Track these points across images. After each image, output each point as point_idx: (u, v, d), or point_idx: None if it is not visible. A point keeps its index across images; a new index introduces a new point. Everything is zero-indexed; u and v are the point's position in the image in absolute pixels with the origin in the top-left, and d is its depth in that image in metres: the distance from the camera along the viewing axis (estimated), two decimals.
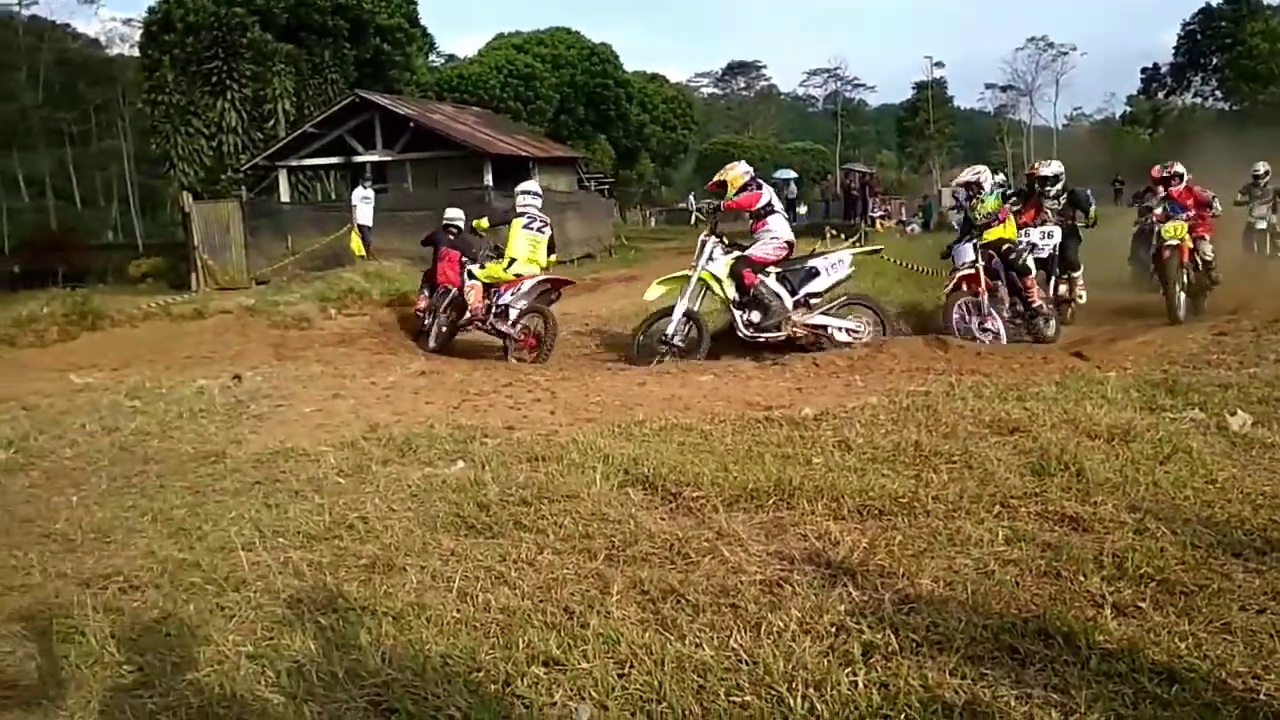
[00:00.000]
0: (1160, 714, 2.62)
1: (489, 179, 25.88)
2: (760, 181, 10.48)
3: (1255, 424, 5.46)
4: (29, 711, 3.02)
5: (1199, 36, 58.89)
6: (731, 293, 9.92)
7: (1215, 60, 58.49)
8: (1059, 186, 11.63)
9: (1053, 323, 10.55)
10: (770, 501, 4.48)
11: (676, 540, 4.05)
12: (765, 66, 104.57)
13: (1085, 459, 4.78)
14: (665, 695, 2.81)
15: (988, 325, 9.90)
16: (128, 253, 37.50)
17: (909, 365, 8.30)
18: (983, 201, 10.40)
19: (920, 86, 72.01)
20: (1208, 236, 11.86)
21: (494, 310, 10.80)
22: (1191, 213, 11.61)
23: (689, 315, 9.96)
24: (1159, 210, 11.78)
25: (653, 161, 59.67)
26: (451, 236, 12.97)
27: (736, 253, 10.08)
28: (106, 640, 3.37)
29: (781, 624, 3.20)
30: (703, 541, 4.04)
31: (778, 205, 10.49)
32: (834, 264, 10.14)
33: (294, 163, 28.79)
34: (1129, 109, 73.38)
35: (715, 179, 10.73)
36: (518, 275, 10.88)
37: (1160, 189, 12.62)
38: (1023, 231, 10.80)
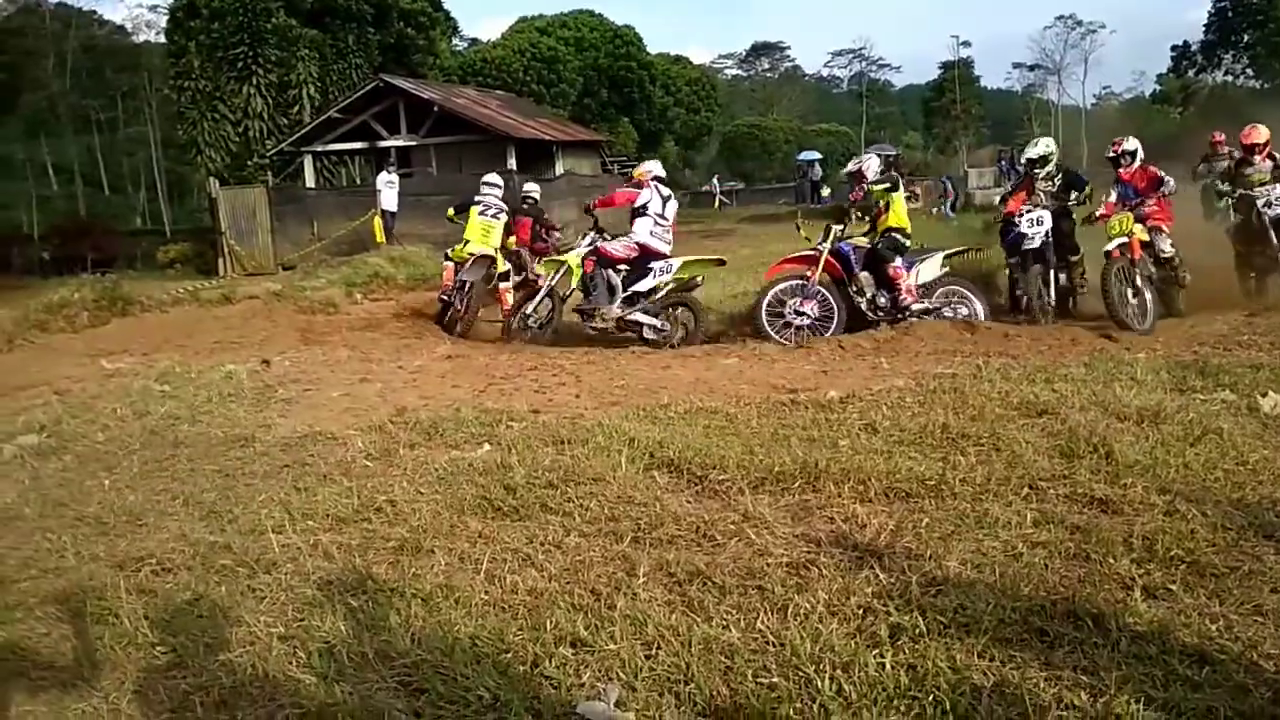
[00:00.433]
0: (1191, 696, 2.61)
1: (512, 163, 25.87)
2: (655, 186, 10.73)
3: None
4: (65, 692, 3.06)
5: (1230, 13, 57.90)
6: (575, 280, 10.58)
7: (1246, 37, 57.54)
8: (1049, 167, 10.55)
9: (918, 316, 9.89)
10: (796, 484, 4.48)
11: (702, 523, 4.06)
12: (789, 47, 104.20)
13: (1114, 441, 4.74)
14: (693, 676, 2.83)
15: (803, 309, 9.78)
16: (155, 239, 37.84)
17: (935, 347, 8.25)
18: (869, 193, 10.17)
19: (946, 66, 71.26)
20: (1166, 228, 10.21)
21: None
22: (1151, 201, 10.09)
23: (549, 294, 10.77)
24: (1112, 199, 10.26)
25: (676, 144, 59.42)
26: (527, 206, 15.04)
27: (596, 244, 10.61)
28: (140, 622, 3.42)
29: (808, 606, 3.21)
30: (729, 524, 4.04)
31: (656, 210, 10.62)
32: (665, 267, 10.33)
33: (319, 148, 28.90)
34: (1159, 87, 72.39)
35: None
36: (471, 254, 11.58)
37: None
38: (1016, 219, 10.07)
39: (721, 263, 11.15)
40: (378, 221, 21.87)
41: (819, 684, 2.73)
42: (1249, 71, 59.44)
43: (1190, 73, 63.80)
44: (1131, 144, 10.73)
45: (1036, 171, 10.48)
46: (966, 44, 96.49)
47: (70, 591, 3.76)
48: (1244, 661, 2.77)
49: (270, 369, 8.45)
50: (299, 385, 7.73)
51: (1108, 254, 9.38)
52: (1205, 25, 60.46)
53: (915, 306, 9.73)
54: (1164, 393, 5.87)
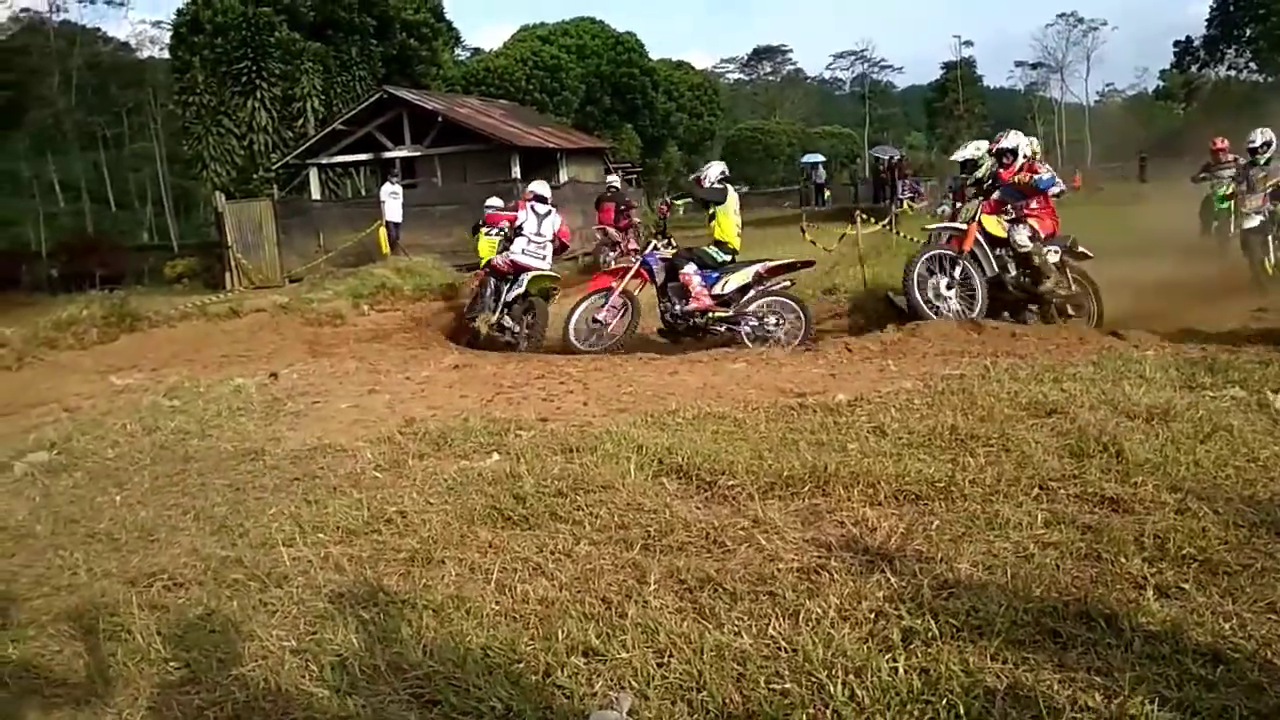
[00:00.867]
0: (1205, 695, 2.60)
1: (517, 171, 25.91)
2: (531, 206, 11.61)
3: None
4: (79, 709, 3.07)
5: (1231, 8, 57.80)
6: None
7: (1249, 31, 57.42)
8: (981, 171, 10.20)
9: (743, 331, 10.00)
10: (806, 489, 4.47)
11: (712, 529, 4.06)
12: (791, 51, 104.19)
13: (1124, 439, 4.73)
14: (705, 684, 2.82)
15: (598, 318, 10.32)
16: (163, 254, 37.96)
17: (943, 349, 8.24)
18: (705, 202, 10.49)
19: (949, 66, 71.28)
20: (1034, 223, 9.41)
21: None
22: (1035, 203, 9.52)
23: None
24: (995, 197, 9.64)
25: (680, 149, 59.47)
26: (610, 194, 19.95)
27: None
28: (153, 638, 3.42)
29: (820, 611, 3.20)
30: (739, 530, 4.04)
31: (531, 230, 11.48)
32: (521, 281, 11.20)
33: (324, 160, 28.96)
34: (1162, 83, 72.32)
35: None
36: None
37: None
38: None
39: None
40: (383, 233, 21.93)
41: (832, 689, 2.73)
42: (1252, 65, 59.30)
43: (1193, 68, 63.67)
44: (1011, 140, 9.96)
45: (964, 176, 10.45)
46: (969, 44, 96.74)
47: (83, 608, 3.77)
48: (1258, 660, 2.75)
49: (278, 382, 8.48)
50: (307, 398, 7.75)
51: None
52: (1207, 20, 60.36)
53: (715, 315, 9.98)
54: (1173, 390, 5.86)
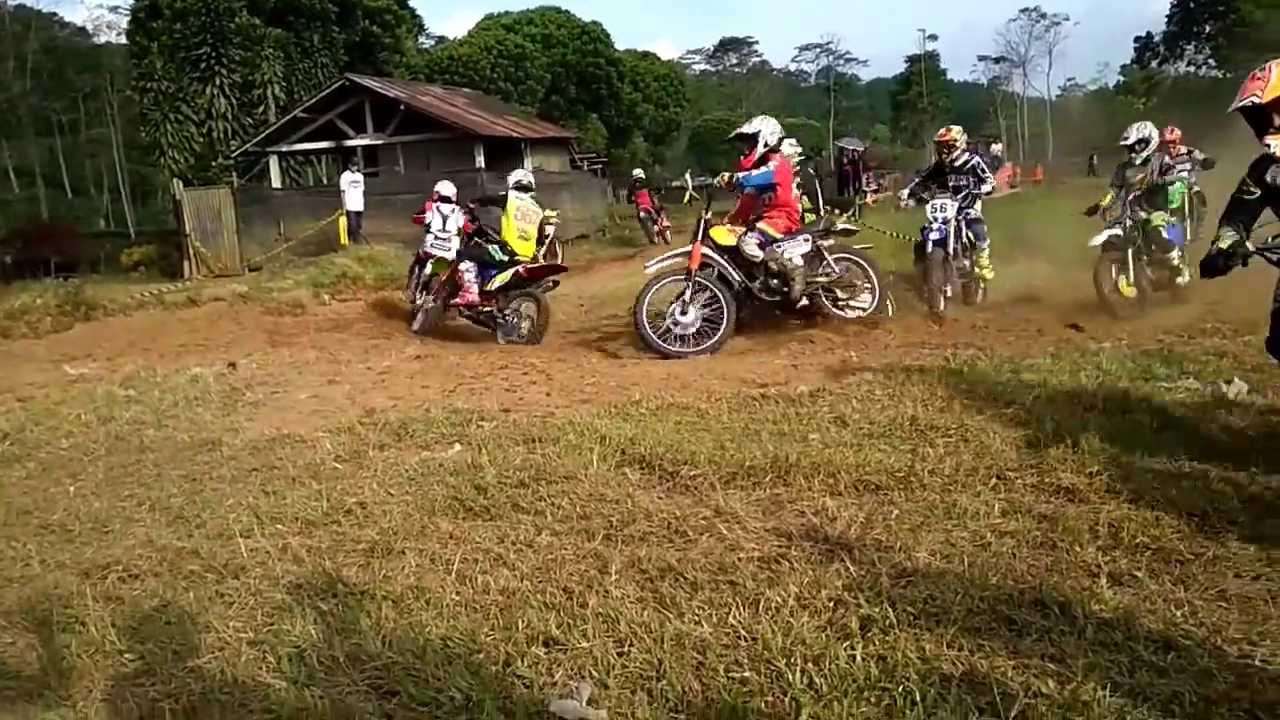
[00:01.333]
0: (1156, 681, 2.64)
1: (481, 161, 25.77)
2: (437, 207, 12.25)
3: (1251, 392, 5.48)
4: (32, 702, 3.02)
5: (1191, 4, 58.64)
6: None
7: (1208, 28, 58.25)
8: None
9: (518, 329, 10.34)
10: (767, 479, 4.49)
11: (674, 519, 4.06)
12: (757, 42, 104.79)
13: (1081, 430, 4.78)
14: (665, 673, 2.83)
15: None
16: (120, 241, 37.37)
17: (905, 340, 8.30)
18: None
19: (913, 60, 71.80)
20: (764, 227, 8.98)
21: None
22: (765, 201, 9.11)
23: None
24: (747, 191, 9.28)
25: (645, 140, 59.37)
26: (639, 183, 25.93)
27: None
28: (107, 629, 3.38)
29: (780, 600, 3.22)
30: (700, 519, 4.05)
31: (436, 228, 12.05)
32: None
33: (285, 148, 28.64)
34: (1122, 78, 73.19)
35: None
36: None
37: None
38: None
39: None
40: (342, 222, 21.73)
41: (790, 677, 2.74)
42: (1211, 62, 60.18)
43: (1154, 64, 64.54)
44: (754, 125, 9.34)
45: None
46: (933, 37, 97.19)
47: (36, 600, 3.71)
48: (1208, 646, 2.80)
49: (237, 372, 8.38)
50: (266, 388, 7.67)
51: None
52: (1168, 16, 61.21)
53: (481, 309, 10.58)
54: (1129, 382, 5.94)
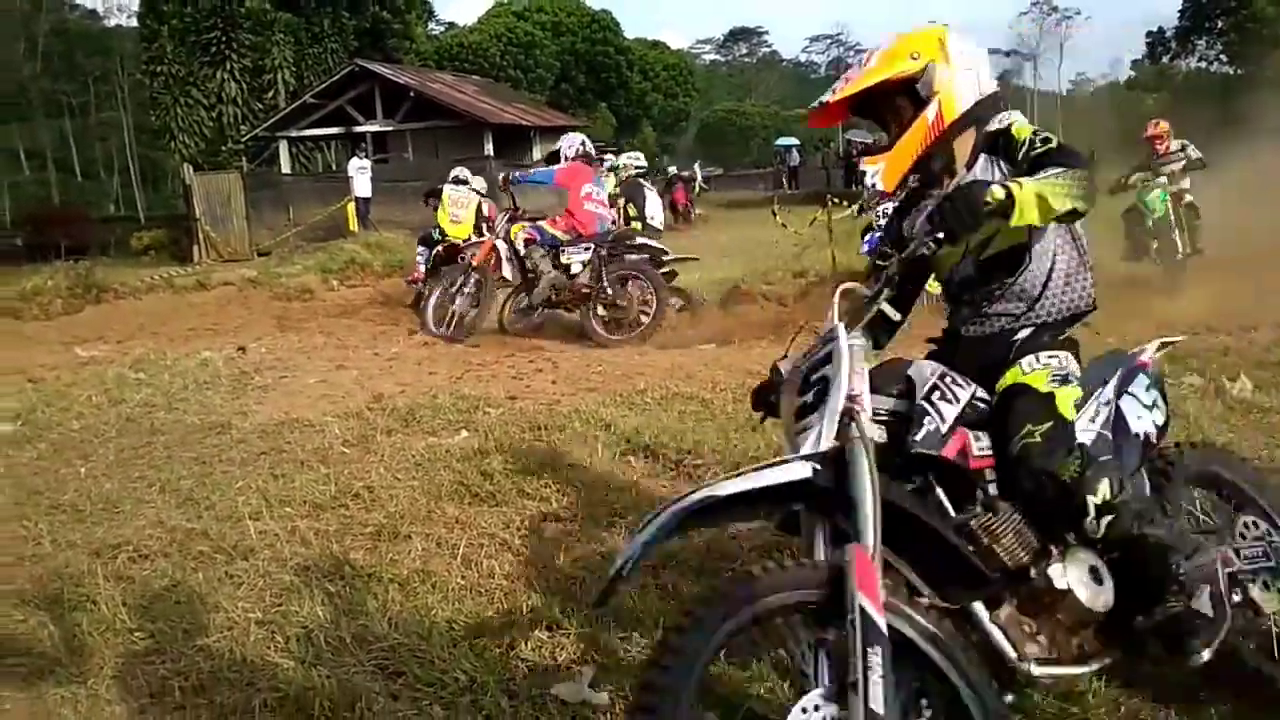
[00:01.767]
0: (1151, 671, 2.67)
1: (490, 148, 25.80)
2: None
3: (1255, 389, 5.50)
4: (44, 679, 3.07)
5: (1203, 0, 58.33)
6: None
7: (1220, 23, 57.93)
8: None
9: None
10: None
11: None
12: (767, 33, 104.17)
13: None
14: None
15: None
16: (129, 225, 37.35)
17: (912, 332, 8.30)
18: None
19: None
20: (544, 226, 9.37)
21: None
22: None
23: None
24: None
25: (654, 130, 59.32)
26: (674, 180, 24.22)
27: None
28: (118, 608, 3.43)
29: None
30: None
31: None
32: None
33: (294, 133, 28.72)
34: (1133, 73, 72.80)
35: None
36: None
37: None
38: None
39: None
40: (351, 208, 21.77)
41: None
42: (1223, 58, 59.88)
43: (1165, 59, 64.20)
44: (560, 143, 9.81)
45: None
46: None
47: (48, 578, 3.76)
48: None
49: (246, 356, 8.45)
50: (275, 372, 7.72)
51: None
52: (1179, 11, 60.82)
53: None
54: None
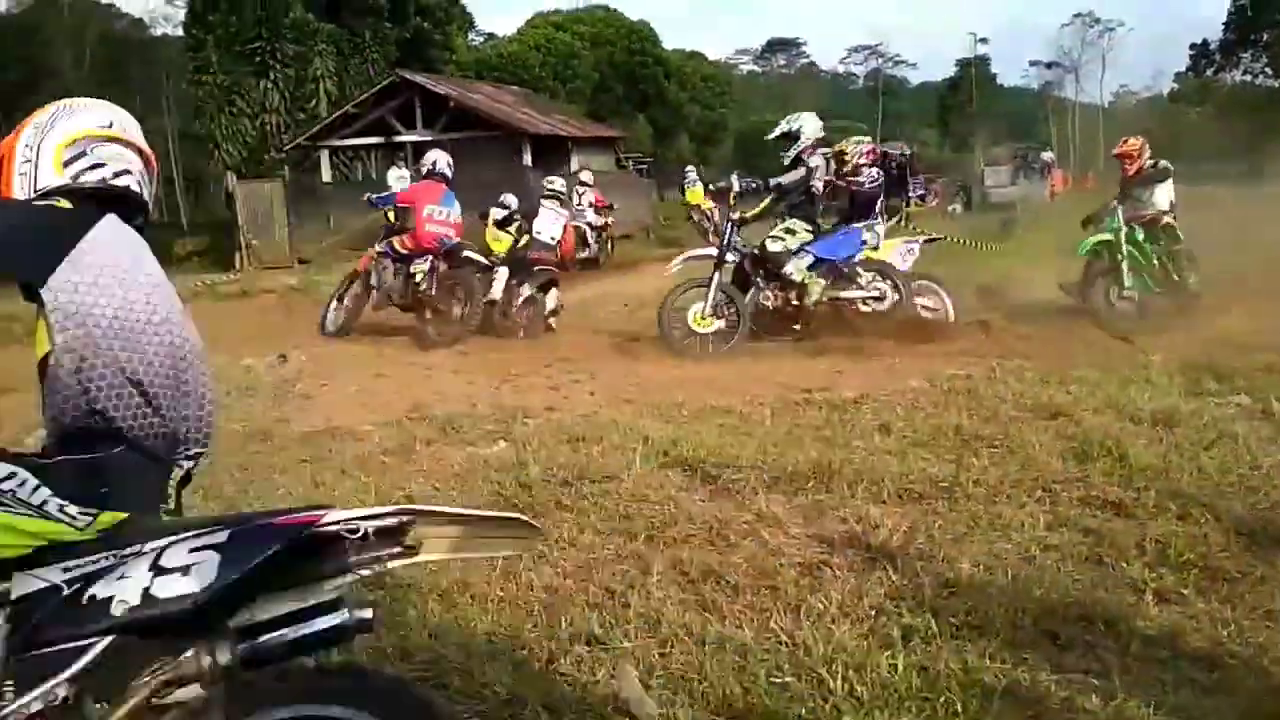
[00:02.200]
0: (1200, 700, 2.63)
1: (528, 159, 25.92)
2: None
3: None
4: None
5: (1249, 11, 57.50)
6: None
7: (1266, 36, 57.10)
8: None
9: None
10: (810, 484, 4.51)
11: (716, 522, 4.09)
12: (805, 44, 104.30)
13: (1128, 444, 4.76)
14: (707, 675, 2.86)
15: None
16: (173, 232, 37.92)
17: (950, 348, 8.24)
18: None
19: (963, 64, 71.04)
20: (397, 243, 10.36)
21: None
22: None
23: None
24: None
25: (691, 140, 59.31)
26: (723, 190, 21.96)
27: None
28: None
29: (821, 606, 3.24)
30: (742, 524, 4.08)
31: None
32: None
33: (335, 142, 28.98)
34: (1176, 86, 71.93)
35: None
36: None
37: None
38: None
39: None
40: (391, 216, 21.90)
41: (831, 684, 2.76)
42: (1268, 70, 59.01)
43: (1209, 72, 63.38)
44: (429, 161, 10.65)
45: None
46: (984, 41, 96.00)
47: None
48: (1254, 666, 2.79)
49: (287, 363, 8.52)
50: (316, 380, 7.79)
51: None
52: (1224, 23, 60.06)
53: None
54: (1178, 396, 5.88)
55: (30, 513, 1.82)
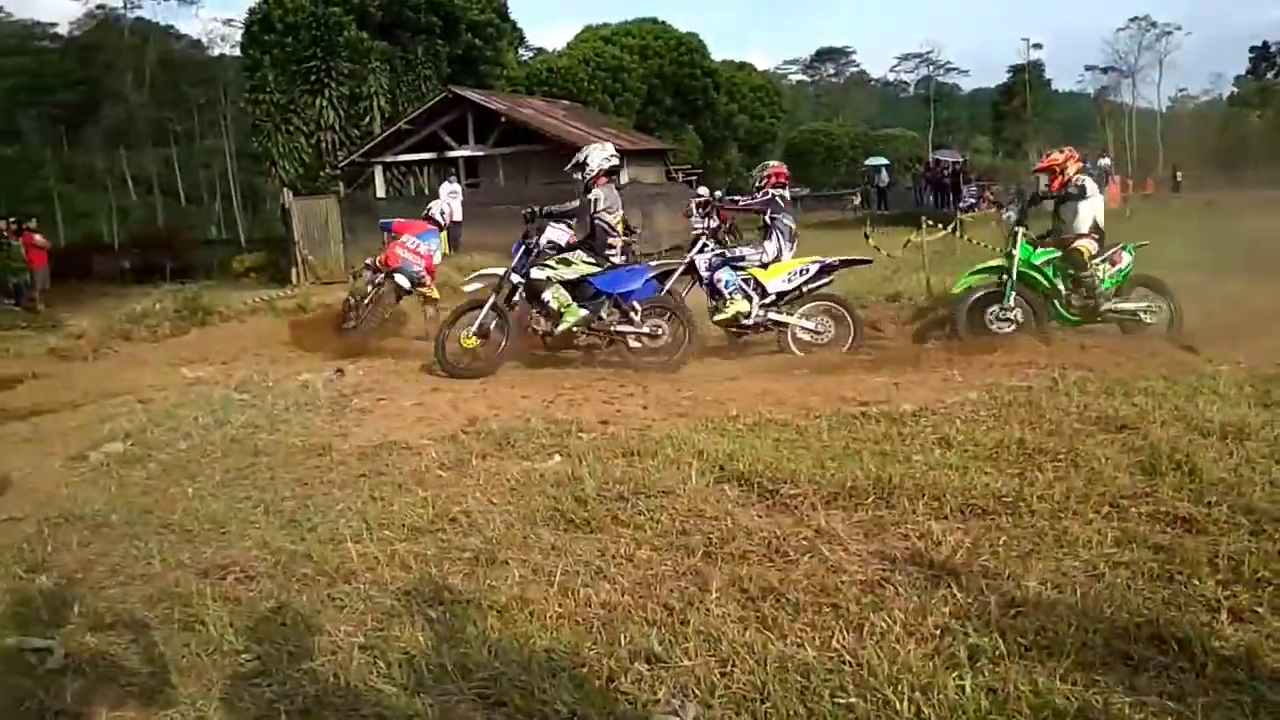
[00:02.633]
0: None
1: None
2: None
3: None
4: (153, 699, 3.15)
5: None
6: None
7: None
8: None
9: None
10: (869, 499, 4.45)
11: (774, 538, 4.05)
12: (855, 52, 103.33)
13: (1198, 457, 4.64)
14: (769, 695, 2.82)
15: None
16: (231, 248, 38.71)
17: (1009, 359, 8.11)
18: None
19: (1016, 70, 70.20)
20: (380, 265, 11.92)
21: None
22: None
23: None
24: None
25: (740, 151, 59.25)
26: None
27: None
28: (225, 629, 3.50)
29: (884, 625, 3.18)
30: (801, 540, 4.03)
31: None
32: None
33: (389, 159, 29.33)
34: (1236, 90, 70.51)
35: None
36: None
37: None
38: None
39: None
40: (444, 233, 22.15)
41: (897, 706, 2.71)
42: None
43: (1269, 74, 62.04)
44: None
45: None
46: (1038, 46, 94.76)
47: (158, 598, 3.86)
48: None
49: (344, 378, 8.61)
50: (372, 394, 7.86)
51: None
52: None
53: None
54: (1248, 407, 5.72)
55: None
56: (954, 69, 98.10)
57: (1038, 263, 9.34)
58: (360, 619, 3.55)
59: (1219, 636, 3.01)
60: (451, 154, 28.11)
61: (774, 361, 9.19)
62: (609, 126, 34.71)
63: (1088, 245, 9.27)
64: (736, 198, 10.84)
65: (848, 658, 3.01)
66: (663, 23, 52.77)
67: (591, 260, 9.08)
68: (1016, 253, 9.28)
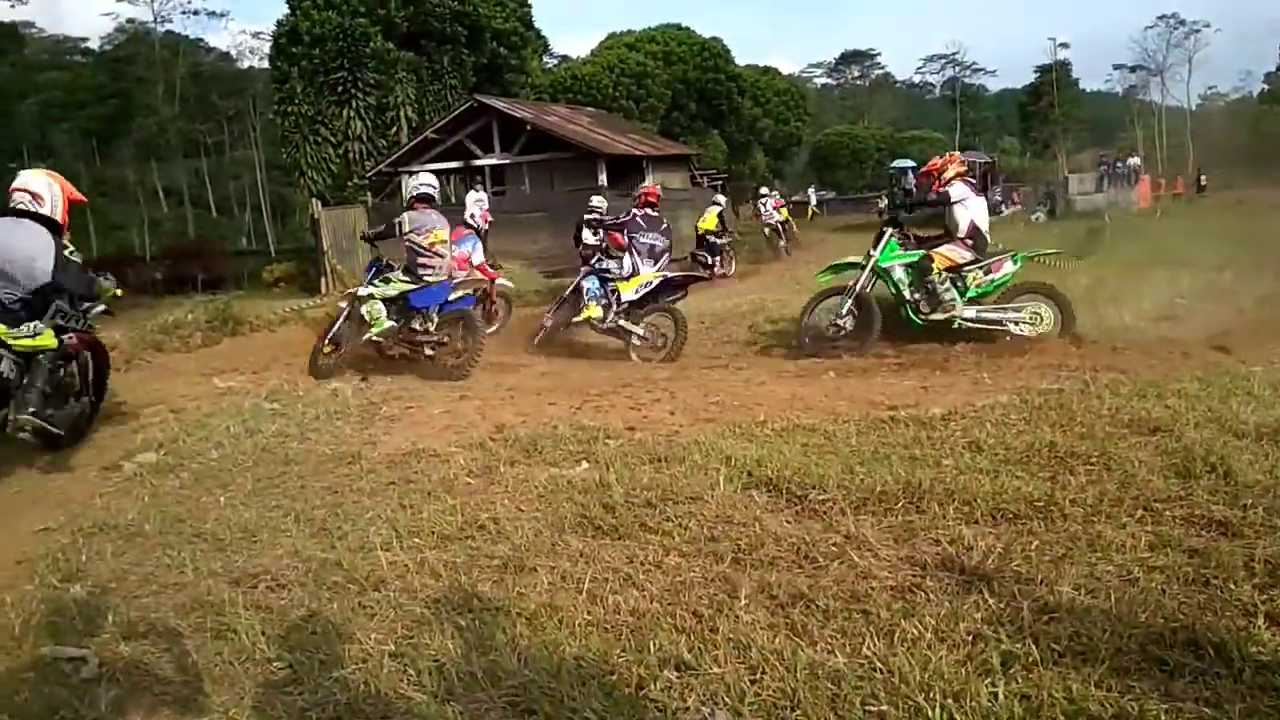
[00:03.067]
0: None
1: (603, 178, 26.08)
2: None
3: None
4: (185, 707, 3.18)
5: None
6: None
7: None
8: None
9: None
10: (899, 504, 4.42)
11: (803, 544, 4.03)
12: (879, 55, 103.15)
13: (1233, 460, 4.57)
14: (799, 702, 2.81)
15: None
16: (261, 259, 39.03)
17: (1040, 362, 8.05)
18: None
19: (1043, 70, 69.73)
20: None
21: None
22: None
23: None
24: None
25: (766, 155, 59.16)
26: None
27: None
28: (258, 637, 3.53)
29: (916, 631, 3.16)
30: (830, 545, 4.01)
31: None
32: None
33: (416, 168, 29.46)
34: (1266, 87, 69.69)
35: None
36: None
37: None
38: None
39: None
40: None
41: (929, 714, 2.69)
42: None
43: None
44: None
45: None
46: (1065, 45, 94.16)
47: (190, 607, 3.89)
48: None
49: (373, 386, 8.66)
50: (401, 402, 7.90)
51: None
52: None
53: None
54: None
55: None
56: (980, 70, 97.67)
57: (886, 265, 9.51)
58: (390, 627, 3.56)
59: (1256, 641, 2.96)
60: (478, 162, 28.26)
61: (802, 366, 9.16)
62: (634, 133, 34.78)
63: (948, 252, 9.42)
64: (613, 219, 12.57)
65: (878, 665, 2.98)
66: (686, 28, 52.79)
67: (406, 279, 9.90)
68: (876, 253, 9.38)
